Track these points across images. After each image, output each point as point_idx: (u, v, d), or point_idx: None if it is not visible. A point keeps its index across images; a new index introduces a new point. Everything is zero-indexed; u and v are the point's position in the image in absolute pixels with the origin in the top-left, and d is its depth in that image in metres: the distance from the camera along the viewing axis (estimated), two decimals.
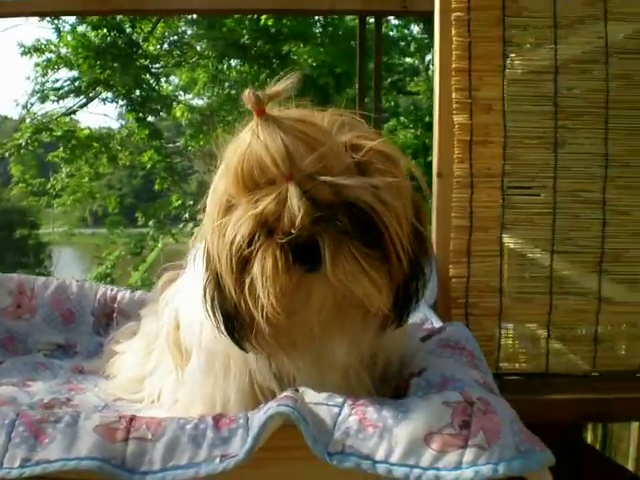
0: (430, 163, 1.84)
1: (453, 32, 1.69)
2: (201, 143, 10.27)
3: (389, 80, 13.34)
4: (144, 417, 1.02)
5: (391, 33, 13.70)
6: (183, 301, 1.27)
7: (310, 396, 1.02)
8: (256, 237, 0.93)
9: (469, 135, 1.68)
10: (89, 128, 9.38)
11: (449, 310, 1.72)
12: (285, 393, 1.02)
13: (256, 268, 0.93)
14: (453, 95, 1.69)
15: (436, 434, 0.95)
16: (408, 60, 14.62)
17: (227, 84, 10.72)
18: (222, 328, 1.02)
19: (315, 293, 0.96)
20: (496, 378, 1.21)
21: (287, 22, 8.95)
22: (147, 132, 8.98)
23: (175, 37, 9.28)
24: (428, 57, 14.38)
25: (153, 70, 9.05)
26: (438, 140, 1.73)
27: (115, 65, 8.29)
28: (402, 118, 14.66)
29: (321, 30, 9.86)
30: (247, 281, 0.95)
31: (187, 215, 10.11)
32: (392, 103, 14.92)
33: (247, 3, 3.43)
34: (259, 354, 1.05)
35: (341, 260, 0.92)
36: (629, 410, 1.68)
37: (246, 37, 8.80)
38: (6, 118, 15.51)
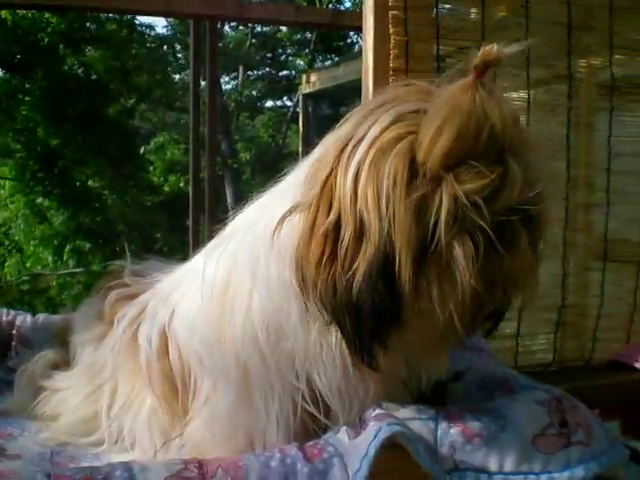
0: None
1: (391, 31, 1.65)
2: None
3: (159, 94, 13.11)
4: (212, 459, 0.84)
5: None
6: (189, 319, 1.07)
7: (398, 412, 0.92)
8: (454, 220, 0.81)
9: None
10: None
11: None
12: (377, 411, 0.90)
13: (457, 256, 0.81)
14: None
15: (540, 436, 0.91)
16: (177, 75, 14.51)
17: None
18: (351, 336, 0.86)
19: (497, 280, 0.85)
20: None
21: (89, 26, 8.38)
22: None
23: None
24: None
25: None
26: None
27: None
28: (172, 134, 14.48)
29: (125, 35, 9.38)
30: (434, 272, 0.82)
31: None
32: (159, 118, 14.67)
33: (80, 1, 3.12)
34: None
35: (527, 248, 0.84)
36: None
37: (46, 40, 8.04)
38: None
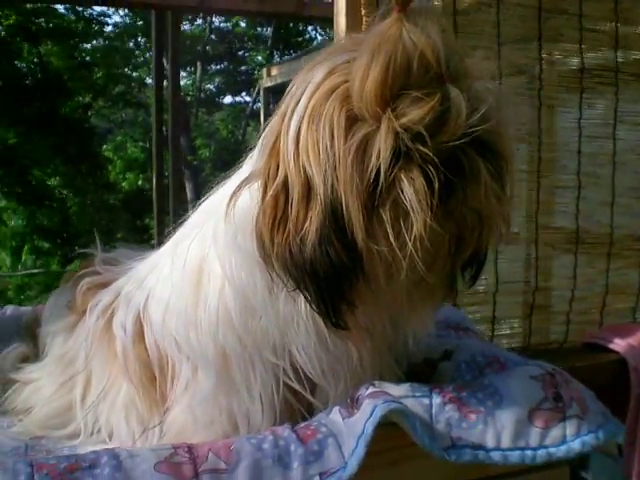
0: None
1: (362, 12, 1.63)
2: None
3: (116, 90, 12.89)
4: (202, 444, 0.80)
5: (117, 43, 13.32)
6: (163, 301, 1.03)
7: (392, 389, 0.89)
8: (398, 156, 0.78)
9: None
10: None
11: None
12: (371, 389, 0.87)
13: (406, 191, 0.78)
14: None
15: (536, 410, 0.90)
16: (134, 73, 14.31)
17: None
18: (314, 297, 0.83)
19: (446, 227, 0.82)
20: None
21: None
22: None
23: None
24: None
25: None
26: None
27: None
28: (130, 131, 14.26)
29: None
30: (386, 214, 0.79)
31: None
32: (121, 115, 14.43)
33: None
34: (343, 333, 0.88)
35: (482, 176, 0.81)
36: None
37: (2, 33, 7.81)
38: None
